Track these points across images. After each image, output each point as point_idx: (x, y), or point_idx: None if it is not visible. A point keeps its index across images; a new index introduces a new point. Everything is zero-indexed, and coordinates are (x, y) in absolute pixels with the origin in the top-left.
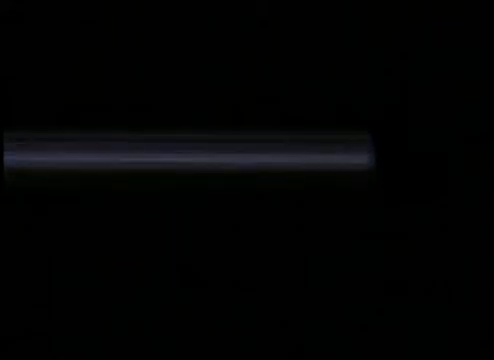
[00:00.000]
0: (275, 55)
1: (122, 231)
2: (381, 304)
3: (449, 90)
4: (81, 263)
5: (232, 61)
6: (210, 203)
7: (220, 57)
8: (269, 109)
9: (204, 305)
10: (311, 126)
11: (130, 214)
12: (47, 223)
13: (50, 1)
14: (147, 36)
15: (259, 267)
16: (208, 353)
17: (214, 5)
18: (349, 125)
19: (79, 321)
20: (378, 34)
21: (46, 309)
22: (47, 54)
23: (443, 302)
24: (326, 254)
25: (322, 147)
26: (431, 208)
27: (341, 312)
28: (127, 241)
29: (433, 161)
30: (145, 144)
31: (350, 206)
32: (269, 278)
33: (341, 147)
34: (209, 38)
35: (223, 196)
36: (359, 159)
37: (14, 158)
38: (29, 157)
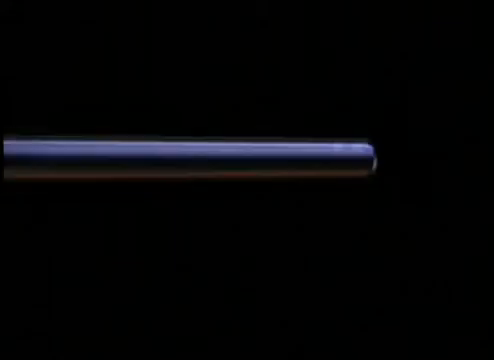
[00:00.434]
0: (275, 55)
1: (122, 231)
2: (381, 304)
3: (449, 90)
4: (81, 263)
5: (232, 61)
6: (210, 203)
7: (220, 57)
8: (269, 109)
9: (204, 305)
10: (311, 127)
11: (130, 214)
12: (47, 223)
13: (50, 1)
14: (147, 36)
15: (259, 267)
16: (208, 353)
17: (214, 5)
18: (349, 125)
19: (79, 321)
20: (378, 34)
21: (46, 309)
22: (47, 54)
23: (443, 302)
24: (326, 254)
25: (322, 147)
26: (431, 208)
27: (341, 312)
28: (127, 241)
29: (433, 161)
30: (145, 144)
31: (350, 206)
32: (269, 278)
33: (341, 147)
34: (209, 38)
35: (223, 196)
36: (359, 158)
37: (14, 158)
38: (29, 157)
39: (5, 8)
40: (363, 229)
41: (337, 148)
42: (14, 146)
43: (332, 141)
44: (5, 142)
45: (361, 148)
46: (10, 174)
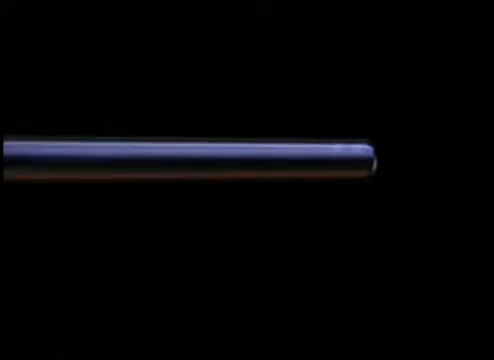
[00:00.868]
0: (275, 55)
1: (122, 231)
2: (381, 304)
3: (449, 90)
4: (81, 263)
5: (232, 61)
6: (210, 203)
7: (220, 57)
8: (269, 109)
9: (204, 305)
10: (311, 127)
11: (130, 214)
12: (47, 223)
13: (50, 1)
14: (147, 36)
15: (259, 267)
16: (208, 353)
17: (214, 5)
18: (349, 125)
19: (79, 321)
20: (378, 34)
21: (46, 309)
22: (47, 54)
23: (443, 302)
24: (326, 254)
25: (322, 147)
26: (431, 208)
27: (341, 312)
28: (127, 241)
29: (433, 161)
30: (145, 143)
31: (350, 206)
32: (269, 278)
33: (341, 147)
34: (209, 38)
35: (223, 196)
36: (359, 158)
37: (14, 158)
38: (29, 157)
39: (5, 8)
40: (363, 229)
41: (337, 149)
42: (14, 146)
43: (332, 141)
44: (5, 142)
45: (361, 149)
46: (10, 174)
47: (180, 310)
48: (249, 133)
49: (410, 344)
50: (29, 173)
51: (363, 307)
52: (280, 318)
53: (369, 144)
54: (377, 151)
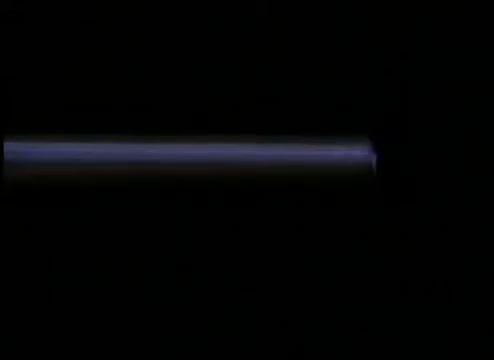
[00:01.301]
0: (275, 55)
1: (122, 231)
2: (381, 304)
3: (449, 90)
4: (81, 263)
5: (232, 61)
6: (210, 203)
7: (220, 57)
8: (269, 109)
9: (204, 305)
10: (311, 127)
11: (130, 214)
12: (47, 223)
13: (50, 1)
14: (147, 36)
15: (259, 267)
16: (208, 353)
17: (214, 5)
18: (349, 125)
19: (79, 321)
20: (378, 34)
21: (46, 309)
22: (47, 54)
23: (443, 302)
24: (326, 254)
25: (322, 148)
26: (431, 208)
27: (341, 312)
28: (127, 241)
29: (433, 161)
30: (145, 143)
31: (350, 206)
32: (269, 278)
33: (341, 147)
34: (209, 38)
35: (223, 196)
36: (359, 159)
37: (14, 157)
38: (29, 157)
39: (5, 8)
40: (363, 229)
41: (337, 155)
42: (14, 146)
43: (332, 146)
44: (5, 143)
45: (362, 156)
46: (10, 174)
47: (180, 310)
48: (249, 131)
49: (410, 344)
50: (29, 173)
51: (363, 307)
52: (280, 318)
53: (370, 145)
54: (377, 150)
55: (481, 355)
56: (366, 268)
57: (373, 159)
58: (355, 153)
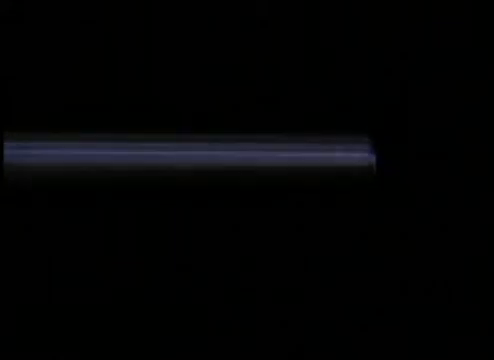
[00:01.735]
0: (275, 55)
1: (122, 231)
2: (381, 304)
3: (449, 90)
4: (81, 263)
5: (232, 61)
6: (210, 203)
7: (220, 57)
8: (269, 109)
9: (204, 305)
10: (311, 127)
11: (130, 214)
12: (47, 223)
13: (50, 1)
14: (147, 36)
15: (259, 267)
16: (208, 353)
17: (214, 5)
18: (349, 125)
19: (79, 321)
20: (378, 34)
21: (46, 309)
22: (47, 54)
23: (443, 302)
24: (326, 254)
25: (322, 147)
26: (431, 208)
27: (341, 312)
28: (127, 241)
29: (433, 161)
30: (144, 143)
31: (350, 206)
32: (269, 278)
33: (341, 147)
34: (209, 38)
35: (223, 196)
36: (359, 159)
37: (14, 157)
38: (29, 157)
39: (5, 8)
40: (363, 229)
41: (337, 155)
42: (14, 146)
43: (332, 146)
44: (5, 143)
45: (362, 156)
46: (10, 174)
47: (180, 310)
48: (248, 129)
49: (410, 344)
50: (29, 173)
51: (363, 307)
52: (280, 318)
53: (370, 147)
54: (377, 150)
55: (481, 355)
56: (366, 268)
57: (373, 159)
58: (355, 153)
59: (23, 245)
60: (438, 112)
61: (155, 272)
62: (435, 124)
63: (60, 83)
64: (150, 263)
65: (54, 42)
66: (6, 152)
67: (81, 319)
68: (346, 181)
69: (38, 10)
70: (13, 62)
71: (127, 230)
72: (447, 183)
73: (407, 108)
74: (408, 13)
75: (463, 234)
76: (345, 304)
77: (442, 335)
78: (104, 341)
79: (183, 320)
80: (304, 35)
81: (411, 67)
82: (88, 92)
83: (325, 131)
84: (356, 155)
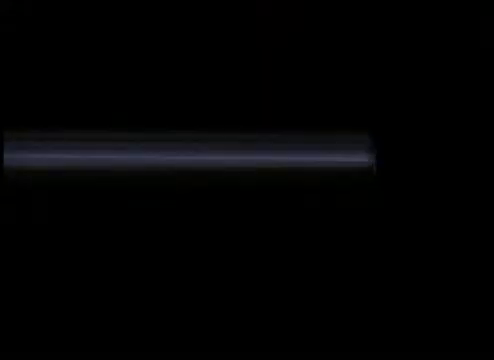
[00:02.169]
0: (275, 55)
1: (122, 231)
2: (381, 304)
3: (449, 90)
4: (81, 263)
5: (233, 61)
6: (210, 203)
7: (220, 57)
8: (269, 109)
9: (204, 305)
10: (311, 126)
11: (130, 214)
12: (47, 223)
13: (50, 1)
14: (147, 36)
15: (259, 267)
16: (208, 353)
17: (214, 5)
18: (349, 125)
19: (79, 321)
20: (378, 34)
21: (46, 309)
22: (47, 54)
23: (443, 302)
24: (326, 254)
25: (322, 147)
26: (431, 208)
27: (341, 312)
28: (127, 241)
29: (433, 161)
30: (145, 144)
31: (350, 206)
32: (269, 278)
33: (341, 147)
34: (209, 38)
35: (223, 196)
36: (359, 159)
37: (14, 158)
38: (29, 157)
39: (5, 8)
40: (363, 229)
41: (337, 155)
42: (14, 146)
43: (332, 146)
44: (5, 143)
45: (362, 156)
46: (10, 174)
47: (179, 310)
48: (248, 130)
49: (410, 344)
50: (29, 173)
51: (363, 307)
52: (280, 318)
53: (370, 146)
54: (377, 150)
55: (481, 355)
56: (366, 268)
57: (373, 159)
58: (355, 153)
59: (23, 245)
60: (438, 112)
61: (155, 272)
62: (435, 124)
63: (60, 82)
64: (150, 263)
65: (54, 42)
66: (6, 152)
67: (81, 319)
68: (346, 181)
69: (38, 10)
70: (13, 62)
71: (127, 230)
72: (447, 183)
73: (407, 108)
74: (408, 13)
75: (463, 234)
76: (345, 304)
77: (442, 335)
78: (104, 341)
79: (183, 320)
80: (304, 35)
81: (411, 67)
82: (88, 92)
83: (325, 131)
84: (356, 155)
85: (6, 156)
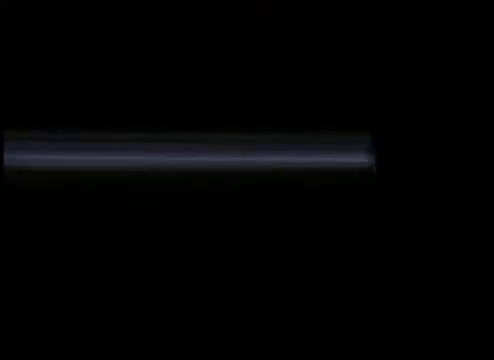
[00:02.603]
0: (275, 55)
1: (122, 231)
2: (381, 304)
3: (449, 90)
4: (81, 263)
5: (233, 62)
6: (210, 203)
7: (220, 57)
8: (269, 110)
9: (204, 305)
10: (311, 126)
11: (130, 214)
12: (47, 223)
13: (50, 1)
14: (147, 36)
15: (259, 268)
16: (208, 353)
17: (214, 5)
18: (349, 125)
19: (79, 321)
20: (378, 34)
21: (47, 309)
22: (47, 54)
23: (443, 302)
24: (326, 254)
25: (322, 147)
26: (431, 208)
27: (341, 312)
28: (127, 242)
29: (433, 161)
30: (144, 144)
31: (350, 206)
32: (269, 278)
33: (341, 147)
34: (209, 38)
35: (223, 196)
36: (359, 159)
37: (14, 158)
38: (29, 157)
39: (5, 8)
40: (363, 229)
41: (337, 156)
42: (14, 146)
43: (332, 146)
44: (5, 143)
45: (362, 156)
46: (10, 174)
47: (179, 310)
48: (247, 129)
49: (410, 344)
50: (29, 173)
51: (363, 307)
52: (280, 318)
53: (370, 146)
54: (377, 150)
55: (481, 355)
56: (366, 268)
57: (373, 159)
58: (355, 153)
59: (23, 244)
60: (437, 112)
61: (157, 273)
62: (435, 124)
63: (60, 83)
64: (151, 264)
65: (54, 42)
66: (6, 152)
67: (81, 319)
68: (346, 181)
69: (38, 10)
70: (13, 62)
71: (127, 231)
72: (447, 183)
73: (408, 108)
74: (408, 13)
75: (463, 234)
76: (345, 304)
77: (442, 335)
78: (104, 341)
79: (183, 320)
80: (304, 35)
81: (411, 67)
82: (88, 92)
83: (325, 131)
84: (356, 155)
85: (6, 156)
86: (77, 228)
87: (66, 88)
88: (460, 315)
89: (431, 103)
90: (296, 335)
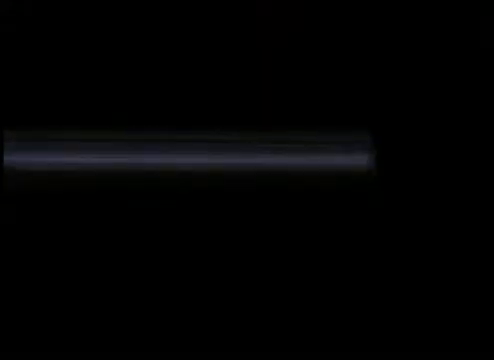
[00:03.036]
0: (275, 55)
1: (122, 231)
2: (381, 304)
3: (449, 90)
4: (82, 264)
5: (233, 61)
6: (210, 203)
7: (220, 57)
8: (269, 109)
9: (204, 305)
10: (311, 126)
11: (130, 214)
12: (46, 223)
13: (50, 1)
14: (147, 36)
15: (259, 268)
16: (208, 352)
17: (214, 5)
18: (349, 125)
19: (79, 321)
20: (378, 33)
21: (47, 309)
22: (47, 54)
23: (443, 302)
24: (326, 254)
25: (322, 147)
26: (431, 208)
27: (341, 312)
28: (127, 242)
29: (433, 161)
30: (144, 144)
31: (350, 206)
32: (269, 279)
33: (341, 147)
34: (209, 38)
35: (223, 197)
36: (359, 159)
37: (14, 158)
38: (29, 157)
39: (5, 8)
40: (363, 229)
41: (337, 156)
42: (14, 146)
43: (333, 146)
44: (5, 143)
45: (362, 156)
46: (10, 174)
47: (179, 310)
48: (247, 129)
49: (410, 344)
50: (29, 172)
51: (363, 307)
52: (280, 318)
53: (370, 146)
54: (377, 150)
55: (481, 355)
56: (366, 269)
57: (373, 159)
58: (355, 153)
59: (23, 244)
60: (438, 112)
61: (156, 274)
62: (435, 124)
63: (60, 82)
64: (150, 264)
65: (54, 42)
66: (6, 152)
67: (81, 319)
68: (346, 182)
69: (38, 10)
70: (13, 62)
71: (127, 231)
72: (447, 183)
73: (408, 108)
74: (408, 13)
75: (463, 234)
76: (345, 304)
77: (442, 335)
78: (104, 341)
79: (183, 320)
80: (304, 34)
81: (411, 67)
82: (88, 92)
83: (325, 131)
84: (356, 155)
85: (6, 156)
86: (77, 228)
87: (66, 88)
88: (460, 315)
89: (431, 103)
90: (296, 335)
